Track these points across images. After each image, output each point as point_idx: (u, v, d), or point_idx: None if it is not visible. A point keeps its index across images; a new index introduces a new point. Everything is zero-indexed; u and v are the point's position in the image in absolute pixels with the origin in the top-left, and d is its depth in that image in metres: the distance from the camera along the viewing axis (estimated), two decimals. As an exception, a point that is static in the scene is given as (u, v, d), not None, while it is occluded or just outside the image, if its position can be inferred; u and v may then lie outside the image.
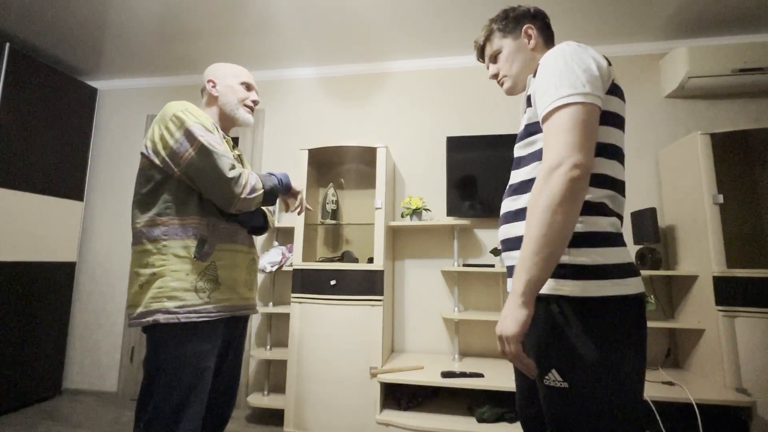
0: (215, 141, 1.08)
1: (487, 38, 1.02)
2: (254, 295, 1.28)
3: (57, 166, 2.64)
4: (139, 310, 1.03)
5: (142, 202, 1.10)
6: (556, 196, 0.68)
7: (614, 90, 0.80)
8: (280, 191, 1.26)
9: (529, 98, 0.87)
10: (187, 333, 1.05)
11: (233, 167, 1.08)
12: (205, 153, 1.05)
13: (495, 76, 1.02)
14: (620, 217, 0.81)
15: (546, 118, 0.76)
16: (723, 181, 1.98)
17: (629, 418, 0.71)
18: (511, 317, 0.70)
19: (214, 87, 1.25)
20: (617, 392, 0.71)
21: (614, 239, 0.77)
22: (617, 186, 0.80)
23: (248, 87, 1.30)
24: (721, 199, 1.81)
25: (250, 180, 1.12)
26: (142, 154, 1.11)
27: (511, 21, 0.98)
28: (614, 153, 0.80)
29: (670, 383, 1.76)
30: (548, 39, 0.99)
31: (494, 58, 1.02)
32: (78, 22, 2.29)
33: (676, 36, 2.31)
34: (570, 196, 0.68)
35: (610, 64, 0.80)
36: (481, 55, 1.07)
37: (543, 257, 0.68)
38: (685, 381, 1.79)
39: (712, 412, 1.62)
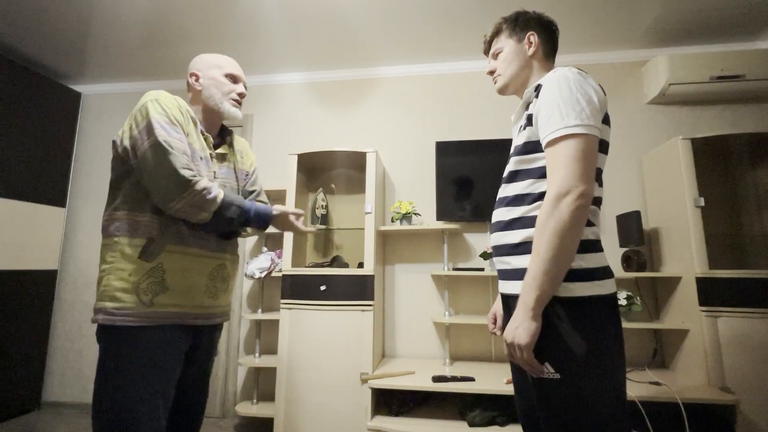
0: (174, 137, 1.00)
1: (495, 34, 1.06)
2: (221, 302, 1.17)
3: (38, 172, 2.58)
4: (94, 307, 1.01)
5: (108, 195, 1.07)
6: (565, 222, 0.75)
7: (605, 119, 0.88)
8: (250, 224, 1.14)
9: (530, 117, 0.91)
10: (129, 338, 0.97)
11: (187, 168, 1.00)
12: (157, 148, 0.97)
13: (491, 72, 1.07)
14: (597, 226, 0.90)
15: (551, 143, 0.82)
16: (704, 184, 2.04)
17: (617, 404, 0.79)
18: (522, 328, 0.78)
19: (197, 81, 1.17)
20: (605, 380, 0.78)
21: (595, 246, 0.85)
22: (596, 201, 0.89)
23: (234, 79, 1.21)
24: (702, 202, 1.86)
25: (209, 194, 1.02)
26: (113, 142, 1.07)
27: (519, 24, 1.02)
28: (597, 175, 0.88)
29: (657, 383, 1.78)
30: (550, 51, 1.02)
31: (496, 55, 1.06)
32: (61, 25, 2.25)
33: (656, 44, 2.38)
34: (576, 222, 0.76)
35: (605, 93, 0.87)
36: (488, 49, 1.10)
37: (552, 276, 0.76)
38: (671, 381, 1.82)
39: (697, 411, 1.66)
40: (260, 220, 1.16)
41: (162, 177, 0.97)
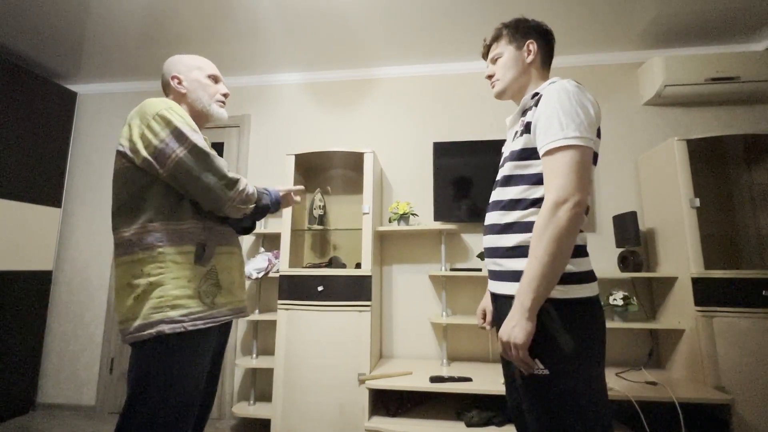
0: (204, 143, 1.04)
1: (495, 39, 1.09)
2: (246, 296, 1.25)
3: (33, 172, 2.56)
4: (138, 323, 0.95)
5: (128, 208, 1.01)
6: (563, 229, 0.80)
7: (598, 132, 0.92)
8: (270, 211, 1.23)
9: (528, 125, 0.94)
10: (190, 342, 1.00)
11: (228, 169, 1.07)
12: (198, 154, 1.01)
13: (490, 76, 1.10)
14: (585, 232, 0.96)
15: (550, 152, 0.86)
16: (699, 185, 2.05)
17: (602, 398, 0.86)
18: (519, 327, 0.82)
19: (180, 84, 1.16)
20: (592, 376, 0.85)
21: (583, 251, 0.91)
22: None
23: (215, 79, 1.22)
24: (697, 202, 1.87)
25: (249, 188, 1.10)
26: (119, 152, 1.02)
27: (520, 31, 1.05)
28: None
29: (653, 383, 1.79)
30: (547, 59, 1.06)
31: (494, 60, 1.09)
32: (57, 23, 2.24)
33: (652, 46, 2.40)
34: (573, 229, 0.81)
35: (599, 106, 0.92)
36: (487, 53, 1.12)
37: (549, 278, 0.81)
38: (667, 380, 1.83)
39: (693, 410, 1.66)
40: (276, 204, 1.25)
41: (211, 180, 1.02)
